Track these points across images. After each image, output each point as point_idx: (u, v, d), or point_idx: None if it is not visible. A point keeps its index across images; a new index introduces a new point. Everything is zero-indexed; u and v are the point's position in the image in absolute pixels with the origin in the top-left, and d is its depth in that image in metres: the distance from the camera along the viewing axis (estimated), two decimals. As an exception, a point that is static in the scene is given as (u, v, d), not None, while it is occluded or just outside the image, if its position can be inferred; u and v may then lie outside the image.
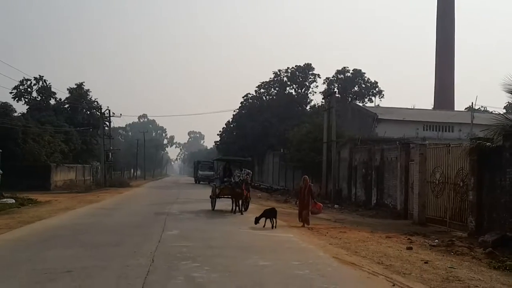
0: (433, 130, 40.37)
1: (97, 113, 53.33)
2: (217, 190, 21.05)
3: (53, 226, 14.72)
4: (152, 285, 7.29)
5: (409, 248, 11.71)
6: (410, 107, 50.18)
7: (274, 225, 15.09)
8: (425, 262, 9.90)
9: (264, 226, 14.99)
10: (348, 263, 9.69)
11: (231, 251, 10.71)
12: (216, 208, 20.36)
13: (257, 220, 15.19)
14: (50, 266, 8.54)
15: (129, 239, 12.14)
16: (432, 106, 62.70)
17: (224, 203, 20.72)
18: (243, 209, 19.52)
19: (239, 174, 19.96)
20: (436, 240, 13.14)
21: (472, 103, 45.04)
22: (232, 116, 64.51)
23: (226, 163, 22.78)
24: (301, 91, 60.25)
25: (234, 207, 19.57)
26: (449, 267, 9.44)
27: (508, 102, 45.96)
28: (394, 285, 7.85)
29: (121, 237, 12.45)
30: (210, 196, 21.39)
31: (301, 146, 35.75)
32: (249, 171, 21.59)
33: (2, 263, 9.01)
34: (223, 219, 17.74)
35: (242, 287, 7.38)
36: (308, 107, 59.28)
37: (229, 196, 20.20)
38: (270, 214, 15.32)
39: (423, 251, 11.56)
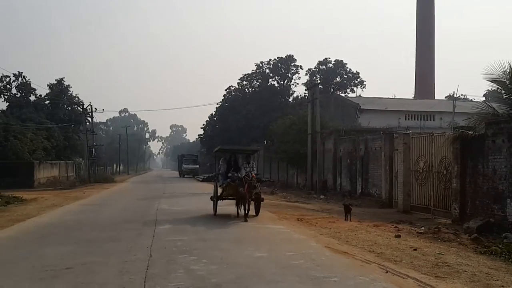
0: (414, 119, 40.95)
1: (79, 108, 52.93)
2: (219, 189, 17.22)
3: (44, 224, 14.71)
4: (154, 279, 7.42)
5: (398, 236, 12.02)
6: (392, 97, 50.72)
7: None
8: (414, 249, 10.22)
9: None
10: (341, 252, 9.94)
11: (225, 243, 10.87)
12: (218, 212, 16.71)
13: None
14: (50, 263, 8.61)
15: (122, 234, 12.20)
16: (413, 96, 63.44)
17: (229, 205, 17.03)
18: (247, 213, 15.46)
19: (247, 168, 16.53)
20: (423, 228, 13.49)
21: (453, 91, 45.65)
22: (215, 109, 64.59)
23: (230, 155, 17.94)
24: (283, 82, 60.48)
25: (238, 211, 15.89)
26: (438, 253, 9.77)
27: (488, 90, 46.69)
28: (387, 272, 8.12)
29: (114, 232, 12.48)
30: (211, 198, 17.19)
31: (285, 137, 35.97)
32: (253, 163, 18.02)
33: (0, 261, 9.05)
34: (212, 212, 17.21)
35: (241, 277, 7.56)
36: (291, 99, 59.61)
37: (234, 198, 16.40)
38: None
39: (411, 238, 11.90)
